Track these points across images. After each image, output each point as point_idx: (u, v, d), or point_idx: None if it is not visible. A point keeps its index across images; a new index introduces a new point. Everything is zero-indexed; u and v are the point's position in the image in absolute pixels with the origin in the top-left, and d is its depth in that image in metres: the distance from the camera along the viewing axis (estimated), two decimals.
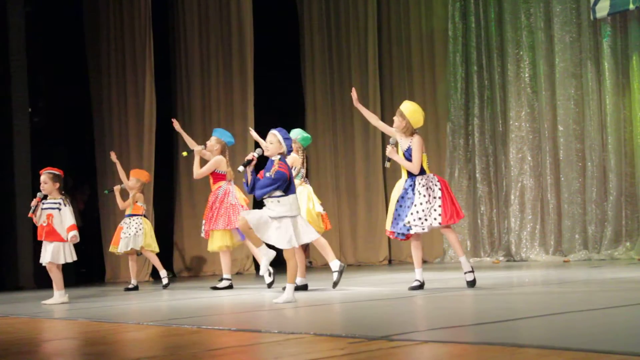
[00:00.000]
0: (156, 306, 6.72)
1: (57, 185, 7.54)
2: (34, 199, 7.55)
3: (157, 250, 9.58)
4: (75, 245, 7.60)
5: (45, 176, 7.53)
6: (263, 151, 6.07)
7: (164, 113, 12.74)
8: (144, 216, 9.56)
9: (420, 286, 6.48)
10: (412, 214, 6.33)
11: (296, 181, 7.07)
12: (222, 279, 8.46)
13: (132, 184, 9.53)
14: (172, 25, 13.25)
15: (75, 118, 13.43)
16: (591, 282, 6.77)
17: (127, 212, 9.48)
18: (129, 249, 9.31)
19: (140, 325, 4.96)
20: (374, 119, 6.90)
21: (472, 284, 6.36)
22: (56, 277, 7.49)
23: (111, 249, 9.70)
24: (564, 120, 10.94)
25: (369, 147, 13.18)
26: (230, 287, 8.32)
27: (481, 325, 4.04)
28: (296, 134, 7.47)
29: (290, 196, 5.86)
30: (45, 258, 7.46)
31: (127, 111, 12.41)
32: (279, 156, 5.92)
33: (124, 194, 9.71)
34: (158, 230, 12.17)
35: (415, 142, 6.50)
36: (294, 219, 5.84)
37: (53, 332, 5.29)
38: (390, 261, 12.93)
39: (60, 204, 7.49)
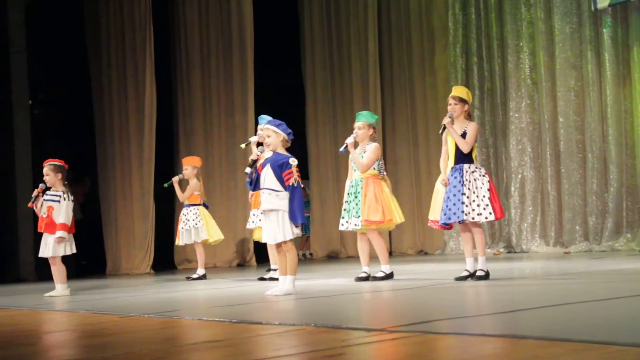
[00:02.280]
0: (157, 298, 6.72)
1: (60, 176, 7.53)
2: (35, 190, 7.56)
3: (221, 238, 9.46)
4: (76, 238, 7.60)
5: (47, 168, 7.54)
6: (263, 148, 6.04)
7: (165, 105, 12.74)
8: (203, 205, 9.35)
9: (469, 276, 6.37)
10: (463, 203, 6.19)
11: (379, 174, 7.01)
12: (270, 269, 8.34)
13: (189, 172, 9.27)
14: (172, 17, 13.22)
15: (76, 110, 13.43)
16: (592, 273, 6.77)
17: (186, 203, 9.30)
18: (191, 242, 9.19)
19: (140, 317, 4.97)
20: (443, 160, 6.61)
21: (480, 278, 6.30)
22: (60, 270, 7.49)
23: (177, 242, 9.43)
24: (564, 111, 10.93)
25: None
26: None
27: (482, 317, 4.04)
28: (369, 117, 7.15)
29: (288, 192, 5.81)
30: (46, 252, 7.47)
31: (127, 103, 12.40)
32: (295, 161, 5.85)
33: (183, 186, 9.47)
34: (158, 224, 12.22)
35: (472, 126, 6.39)
36: (285, 213, 5.79)
37: (54, 324, 5.30)
38: (390, 253, 12.92)
39: (60, 196, 7.48)
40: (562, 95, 10.96)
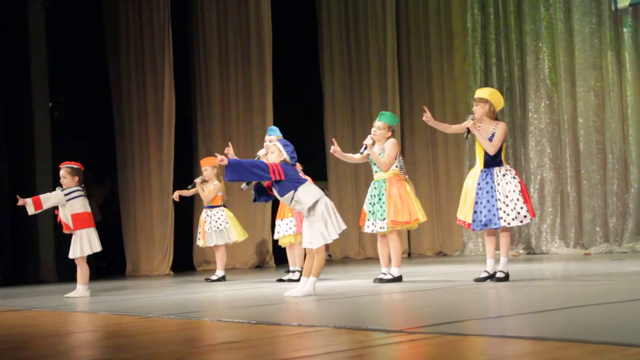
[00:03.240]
0: (176, 299, 6.75)
1: (77, 179, 7.60)
2: None
3: (247, 235, 9.51)
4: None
5: (63, 170, 7.61)
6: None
7: (184, 107, 12.80)
8: (224, 206, 9.39)
9: (488, 278, 6.35)
10: (500, 209, 6.19)
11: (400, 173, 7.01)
12: (288, 271, 8.39)
13: (209, 173, 9.27)
14: (191, 19, 13.28)
15: (96, 112, 13.52)
16: (612, 275, 6.73)
17: (207, 204, 9.30)
18: (222, 243, 9.22)
19: (160, 318, 4.99)
20: (445, 127, 6.66)
21: (499, 280, 6.28)
22: (83, 270, 7.57)
23: (201, 244, 9.41)
24: (584, 112, 10.85)
25: None
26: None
27: (501, 318, 4.03)
28: (391, 119, 7.10)
29: (302, 187, 5.87)
30: (72, 253, 7.57)
31: (146, 105, 12.46)
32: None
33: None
34: (177, 225, 12.27)
35: (501, 127, 6.35)
36: (323, 202, 5.87)
37: (75, 324, 5.34)
38: (409, 254, 12.91)
39: (73, 192, 7.53)
40: (581, 96, 10.88)
